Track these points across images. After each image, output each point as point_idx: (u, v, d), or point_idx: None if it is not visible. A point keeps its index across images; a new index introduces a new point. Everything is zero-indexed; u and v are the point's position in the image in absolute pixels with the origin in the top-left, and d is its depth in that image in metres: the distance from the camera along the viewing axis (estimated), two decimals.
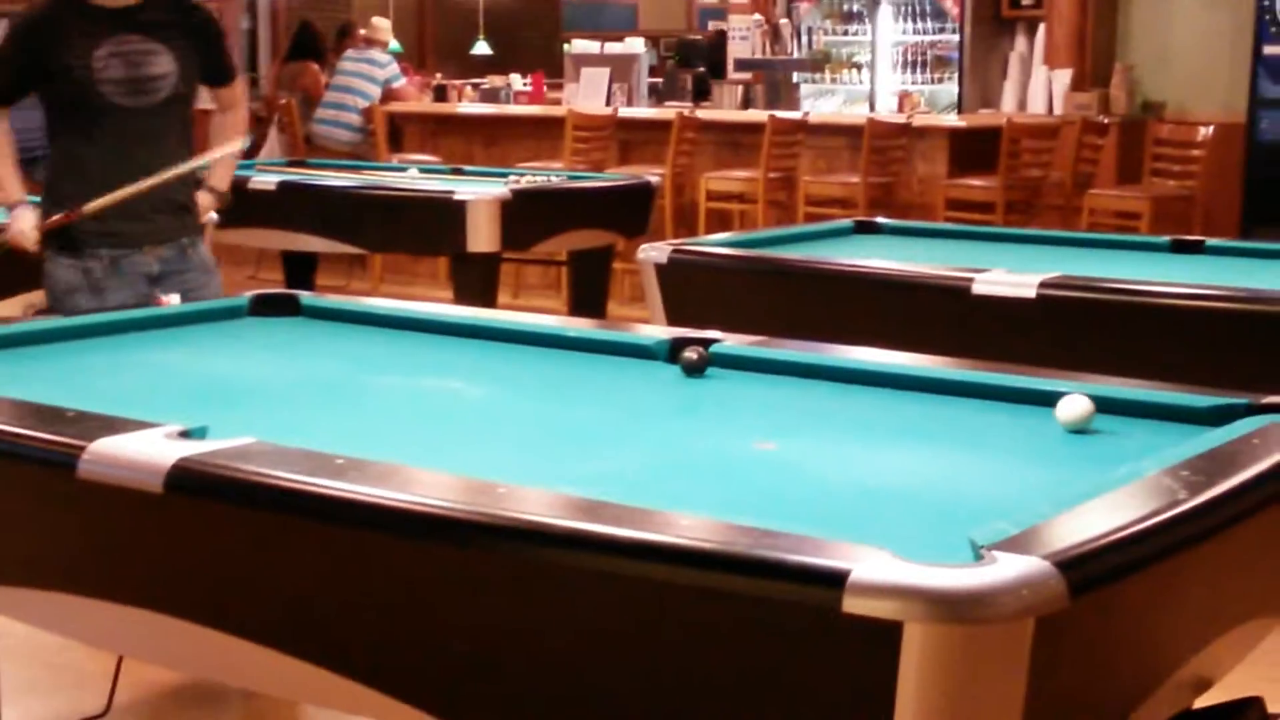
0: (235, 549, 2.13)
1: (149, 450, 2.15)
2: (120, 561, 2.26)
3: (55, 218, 4.02)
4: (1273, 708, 2.23)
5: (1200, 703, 2.10)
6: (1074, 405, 2.48)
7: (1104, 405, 2.60)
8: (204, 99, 4.39)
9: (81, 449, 2.18)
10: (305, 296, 3.57)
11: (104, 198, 3.98)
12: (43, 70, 4.02)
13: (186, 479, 2.09)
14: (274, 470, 2.07)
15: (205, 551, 2.16)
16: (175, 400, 2.66)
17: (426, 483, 2.06)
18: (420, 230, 6.40)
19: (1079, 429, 2.46)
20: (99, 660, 3.61)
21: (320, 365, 3.11)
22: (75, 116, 4.05)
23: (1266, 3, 8.69)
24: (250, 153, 10.55)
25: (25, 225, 4.04)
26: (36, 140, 6.17)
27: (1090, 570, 1.69)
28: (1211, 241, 5.00)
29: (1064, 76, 9.01)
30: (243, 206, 6.61)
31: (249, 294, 3.55)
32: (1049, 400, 2.65)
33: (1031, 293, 3.91)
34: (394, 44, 11.02)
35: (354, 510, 1.98)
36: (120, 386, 2.81)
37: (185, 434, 2.22)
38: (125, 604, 2.22)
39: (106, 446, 2.18)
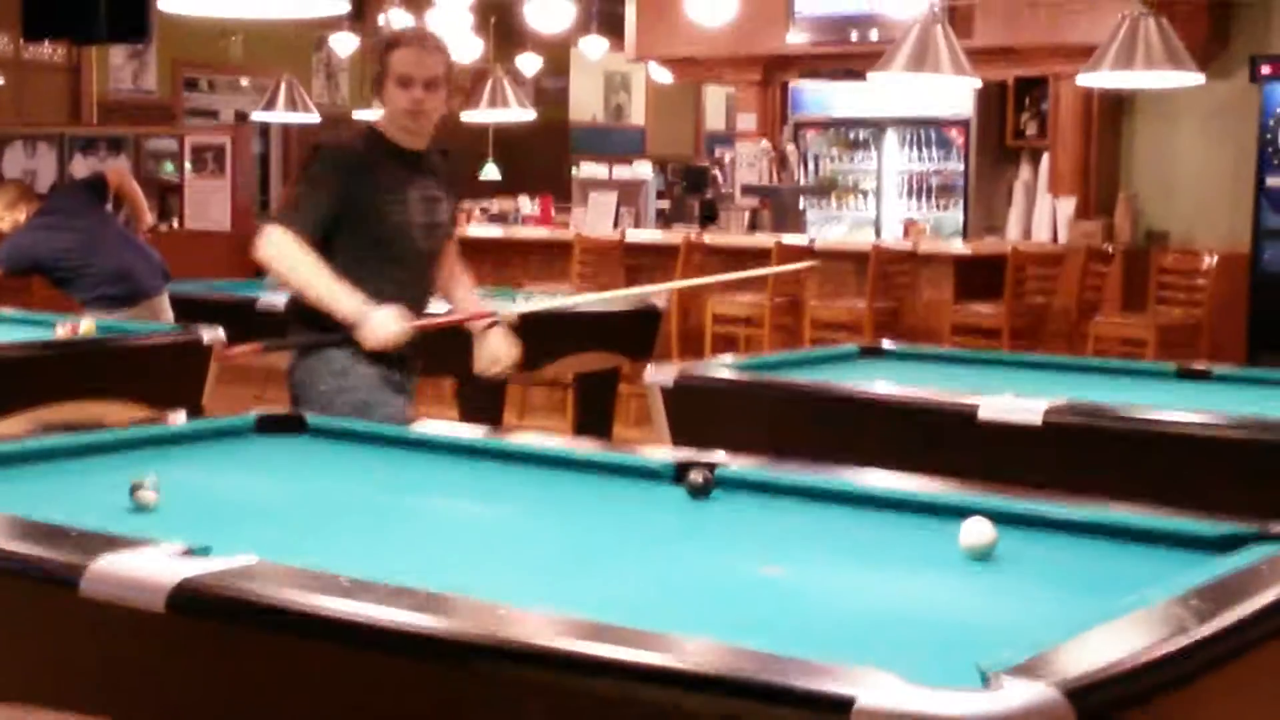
0: (239, 669, 2.11)
1: (152, 569, 2.14)
2: (122, 681, 2.23)
3: (461, 316, 4.25)
4: None
5: None
6: (975, 531, 2.46)
7: (1115, 532, 2.60)
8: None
9: (83, 568, 2.17)
10: (311, 416, 3.57)
11: (522, 306, 4.18)
12: (352, 206, 3.96)
13: (189, 598, 2.07)
14: (279, 590, 2.06)
15: (208, 671, 2.14)
16: (179, 519, 2.65)
17: (430, 604, 2.04)
18: (427, 350, 6.41)
19: (980, 556, 2.44)
20: None
21: (325, 484, 3.10)
22: (376, 256, 3.98)
23: (1269, 135, 8.80)
24: (261, 273, 10.66)
25: (393, 324, 3.91)
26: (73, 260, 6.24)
27: (1098, 698, 1.68)
28: (1218, 369, 5.01)
29: (1068, 205, 9.09)
30: (251, 326, 6.67)
31: (255, 412, 3.55)
32: (1059, 527, 2.65)
33: (1038, 419, 3.90)
34: None
35: (360, 632, 1.97)
36: (124, 504, 2.80)
37: (189, 552, 2.21)
38: None
39: (108, 565, 2.16)
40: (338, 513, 2.83)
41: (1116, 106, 9.34)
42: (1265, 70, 8.76)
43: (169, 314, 6.48)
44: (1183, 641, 1.87)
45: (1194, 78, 6.38)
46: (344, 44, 12.26)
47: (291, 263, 3.89)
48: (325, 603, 2.00)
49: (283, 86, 10.43)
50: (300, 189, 4.08)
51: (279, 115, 10.77)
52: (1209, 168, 9.12)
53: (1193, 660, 1.87)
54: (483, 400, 6.24)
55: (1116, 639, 1.87)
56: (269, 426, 3.51)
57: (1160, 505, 2.74)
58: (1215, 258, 8.13)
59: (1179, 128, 9.17)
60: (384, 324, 3.89)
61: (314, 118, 10.71)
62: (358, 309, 3.89)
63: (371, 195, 3.96)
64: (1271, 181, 8.81)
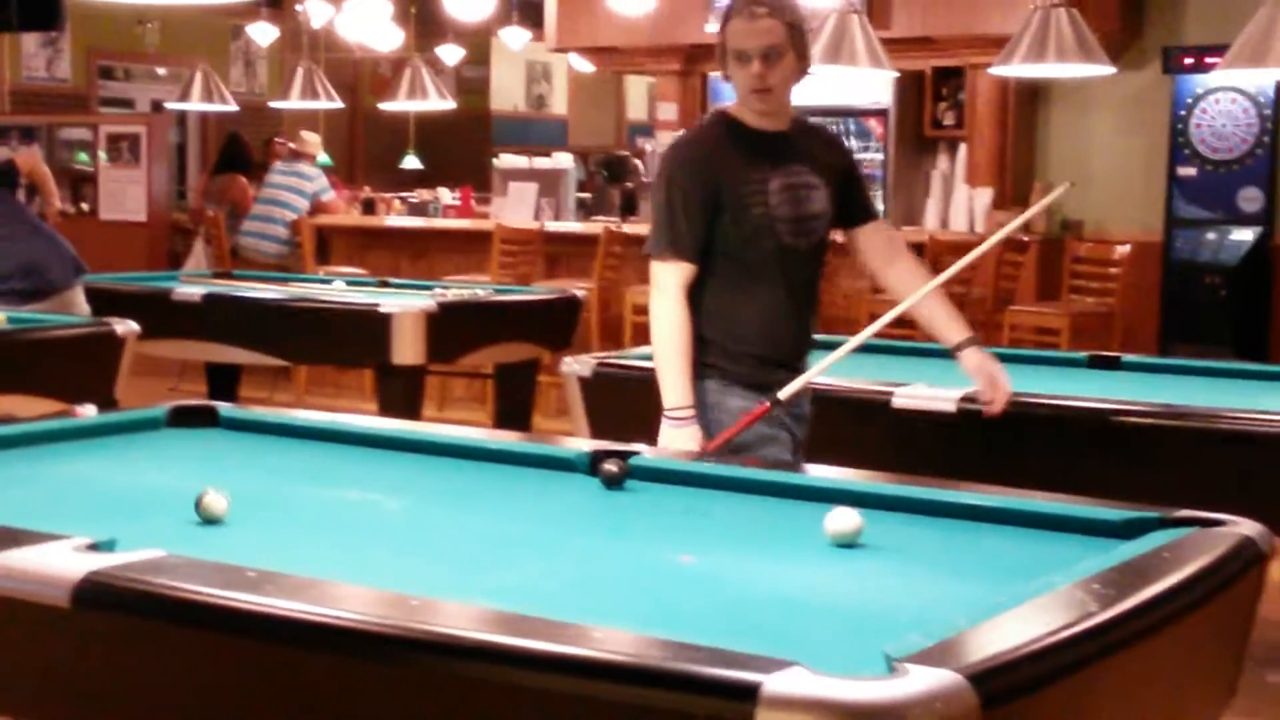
0: (144, 664, 2.09)
1: (56, 563, 2.11)
2: (24, 678, 2.20)
3: (744, 419, 3.44)
4: None
5: None
6: (842, 519, 2.49)
7: (1020, 519, 2.63)
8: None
9: None
10: (224, 408, 3.54)
11: (799, 380, 3.48)
12: (717, 204, 3.50)
13: (94, 593, 2.05)
14: (185, 584, 2.04)
15: (113, 667, 2.12)
16: (86, 513, 2.62)
17: (341, 596, 2.04)
18: (345, 342, 6.40)
19: (847, 542, 2.47)
20: None
21: (237, 477, 3.07)
22: (736, 258, 3.53)
23: (1180, 126, 8.92)
24: (176, 263, 10.56)
25: (678, 442, 3.44)
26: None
27: (1001, 683, 1.70)
28: (1128, 357, 5.09)
29: (985, 195, 9.17)
30: (167, 317, 6.61)
31: (167, 405, 3.52)
32: (968, 514, 2.68)
33: (952, 406, 3.94)
34: (324, 157, 11.08)
35: (267, 624, 1.96)
36: (30, 498, 2.77)
37: (94, 547, 2.19)
38: None
39: (11, 559, 2.14)
40: (249, 505, 2.79)
41: (1032, 97, 9.42)
42: (1177, 61, 8.88)
43: (83, 307, 6.40)
44: (1085, 626, 1.90)
45: (1105, 69, 6.45)
46: (262, 33, 12.15)
47: (658, 328, 3.52)
48: (232, 595, 1.99)
49: (199, 75, 10.31)
50: (664, 207, 3.55)
51: (196, 105, 10.65)
52: (1123, 158, 9.24)
53: (1095, 644, 1.90)
54: (401, 392, 6.21)
55: (1021, 624, 1.90)
56: (181, 419, 3.48)
57: (1070, 491, 2.78)
58: (1129, 247, 8.24)
59: (1093, 118, 9.27)
60: (670, 438, 3.46)
61: (231, 107, 10.60)
62: (671, 409, 3.48)
63: (734, 190, 3.50)
64: (1183, 171, 8.94)
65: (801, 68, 3.56)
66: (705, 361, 3.54)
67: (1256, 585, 2.38)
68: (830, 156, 3.69)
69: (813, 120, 3.64)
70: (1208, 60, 8.32)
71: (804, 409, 3.69)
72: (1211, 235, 8.85)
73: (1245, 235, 8.80)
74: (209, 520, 2.54)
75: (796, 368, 3.58)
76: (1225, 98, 8.81)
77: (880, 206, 10.00)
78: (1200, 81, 8.81)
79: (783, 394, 3.45)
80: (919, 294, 3.62)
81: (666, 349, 3.51)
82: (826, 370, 3.59)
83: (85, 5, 10.54)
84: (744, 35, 3.52)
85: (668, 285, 3.52)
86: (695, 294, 3.55)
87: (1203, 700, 2.34)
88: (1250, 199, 8.80)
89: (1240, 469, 3.80)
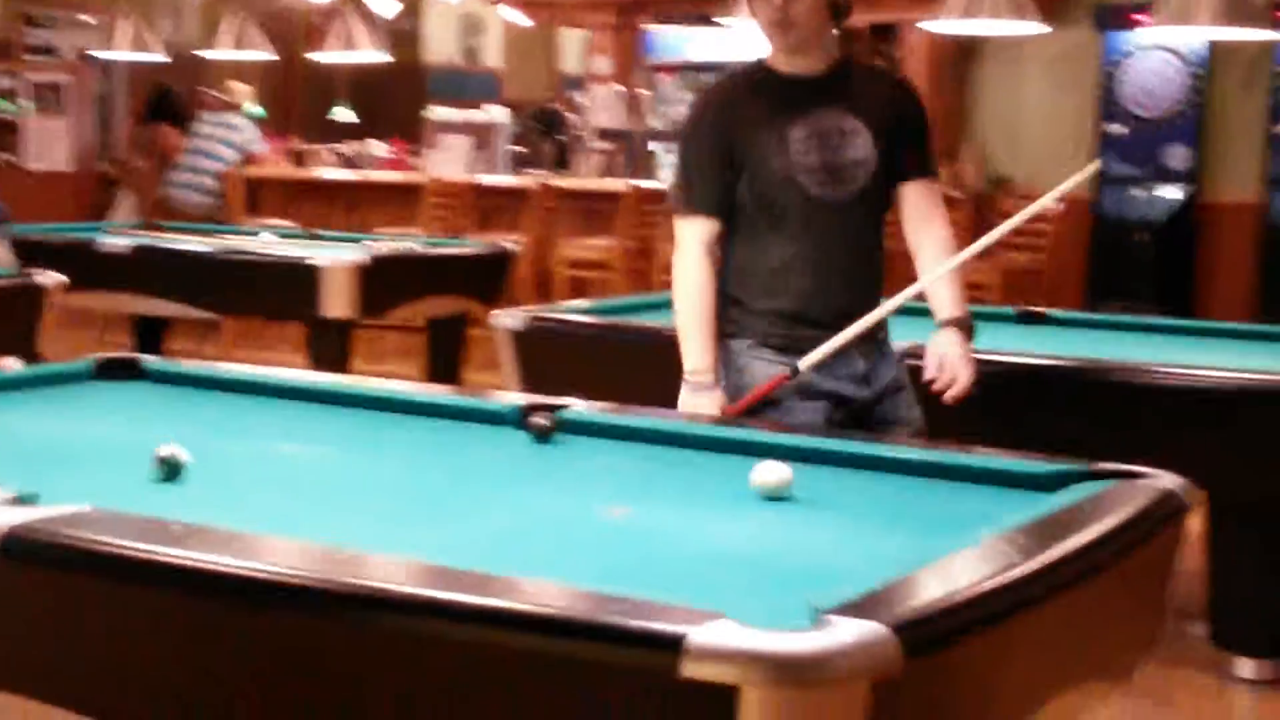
0: (71, 619, 2.07)
1: None
2: None
3: (760, 388, 3.29)
4: None
5: None
6: (769, 472, 2.50)
7: (947, 472, 2.66)
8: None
9: None
10: (150, 361, 3.51)
11: (823, 348, 3.26)
12: (732, 160, 3.33)
13: (17, 546, 2.03)
14: (109, 538, 2.02)
15: (39, 622, 2.10)
16: (9, 466, 2.59)
17: (268, 549, 2.03)
18: (275, 295, 6.35)
19: (774, 495, 2.49)
20: None
21: (163, 431, 3.04)
22: (758, 213, 3.34)
23: (1109, 84, 8.98)
24: (101, 214, 10.43)
25: (703, 408, 3.29)
26: None
27: (925, 633, 1.72)
28: (1055, 312, 5.14)
29: None
30: (93, 269, 6.53)
31: (92, 357, 3.48)
32: (893, 466, 2.70)
33: None
34: (256, 109, 10.94)
35: (192, 577, 1.94)
36: None
37: (17, 500, 2.16)
38: None
39: None
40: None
41: (965, 54, 9.46)
42: (1107, 18, 8.94)
43: (8, 258, 6.31)
44: (1008, 578, 1.92)
45: (1038, 26, 6.48)
46: None
47: (677, 288, 3.38)
48: (158, 550, 1.97)
49: (125, 24, 10.13)
50: (680, 163, 3.44)
51: (123, 54, 10.49)
52: (1053, 114, 9.30)
53: (1018, 596, 1.92)
54: (331, 346, 6.18)
55: (945, 577, 1.92)
56: (107, 372, 3.44)
57: (996, 445, 2.81)
58: (1060, 205, 8.31)
59: (1024, 75, 9.32)
60: (689, 403, 3.33)
61: (160, 57, 10.43)
62: (690, 372, 3.34)
63: (752, 142, 3.30)
64: (1111, 128, 9.02)
65: (827, 6, 3.31)
66: (731, 319, 3.40)
67: (1175, 537, 2.42)
68: (882, 100, 3.38)
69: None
70: (1136, 18, 8.38)
71: (860, 368, 3.37)
72: (1139, 193, 8.94)
73: (1173, 193, 8.89)
74: (170, 472, 2.51)
75: (838, 329, 3.30)
76: (1155, 56, 8.88)
77: None
78: (1130, 39, 8.87)
79: (803, 363, 3.26)
80: (937, 271, 3.37)
81: (684, 309, 3.37)
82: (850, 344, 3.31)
83: None
84: None
85: (686, 242, 3.37)
86: (724, 252, 3.40)
87: (1125, 650, 2.38)
88: (1178, 157, 8.88)
89: (1163, 422, 3.85)
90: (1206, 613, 4.20)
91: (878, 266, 3.46)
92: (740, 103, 3.36)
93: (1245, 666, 4.16)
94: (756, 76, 3.39)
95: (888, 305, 3.37)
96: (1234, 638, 4.17)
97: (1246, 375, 3.84)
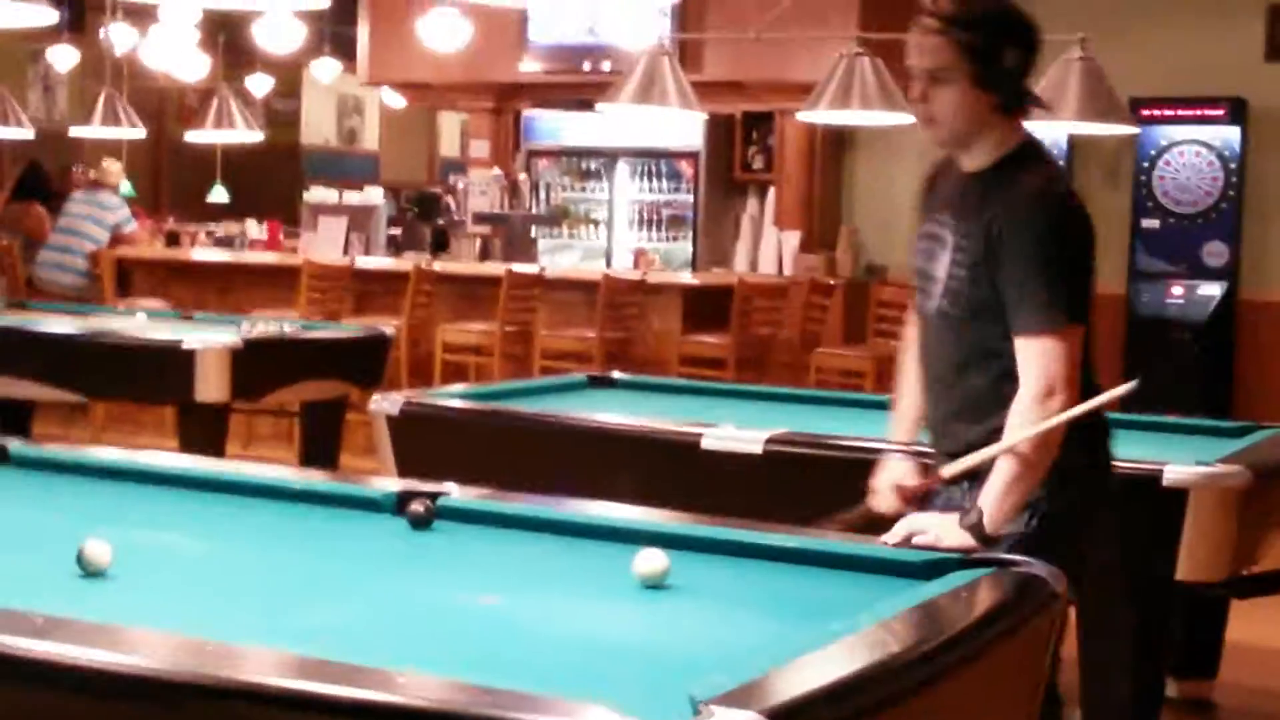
0: None
1: None
2: None
3: (914, 484, 3.00)
4: None
5: None
6: (649, 560, 2.50)
7: (826, 560, 2.66)
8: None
9: None
10: (15, 445, 3.42)
11: (961, 462, 2.90)
12: None
13: None
14: None
15: None
16: None
17: (134, 642, 1.97)
18: (146, 378, 6.23)
19: (654, 583, 2.48)
20: None
21: (26, 517, 2.97)
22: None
23: None
24: None
25: (884, 482, 3.06)
26: None
27: None
28: None
29: (793, 238, 9.34)
30: None
31: None
32: (775, 555, 2.71)
33: (759, 448, 3.99)
34: (126, 187, 10.81)
35: (55, 673, 1.89)
36: None
37: None
38: None
39: None
40: (40, 546, 2.71)
41: (839, 143, 9.63)
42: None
43: None
44: (885, 667, 1.93)
45: (906, 117, 6.61)
46: (63, 57, 11.81)
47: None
48: (16, 643, 1.91)
49: None
50: None
51: None
52: None
53: (896, 685, 1.93)
54: (204, 430, 6.07)
55: (822, 666, 1.92)
56: None
57: (874, 532, 2.83)
58: None
59: (897, 164, 9.50)
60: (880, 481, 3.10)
61: (28, 133, 10.27)
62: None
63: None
64: None
65: (982, 97, 2.89)
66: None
67: (1051, 624, 2.44)
68: (984, 210, 2.88)
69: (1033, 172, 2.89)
70: None
71: (956, 499, 2.92)
72: None
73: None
74: (92, 571, 2.41)
75: (938, 446, 3.04)
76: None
77: (689, 247, 10.12)
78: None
79: (946, 471, 2.95)
80: (991, 450, 2.83)
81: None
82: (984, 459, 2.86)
83: None
84: (910, 51, 2.94)
85: (906, 332, 3.22)
86: None
87: None
88: None
89: None
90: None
91: (979, 388, 2.94)
92: (923, 196, 3.13)
93: None
94: (944, 168, 3.09)
95: (997, 446, 2.85)
96: None
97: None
